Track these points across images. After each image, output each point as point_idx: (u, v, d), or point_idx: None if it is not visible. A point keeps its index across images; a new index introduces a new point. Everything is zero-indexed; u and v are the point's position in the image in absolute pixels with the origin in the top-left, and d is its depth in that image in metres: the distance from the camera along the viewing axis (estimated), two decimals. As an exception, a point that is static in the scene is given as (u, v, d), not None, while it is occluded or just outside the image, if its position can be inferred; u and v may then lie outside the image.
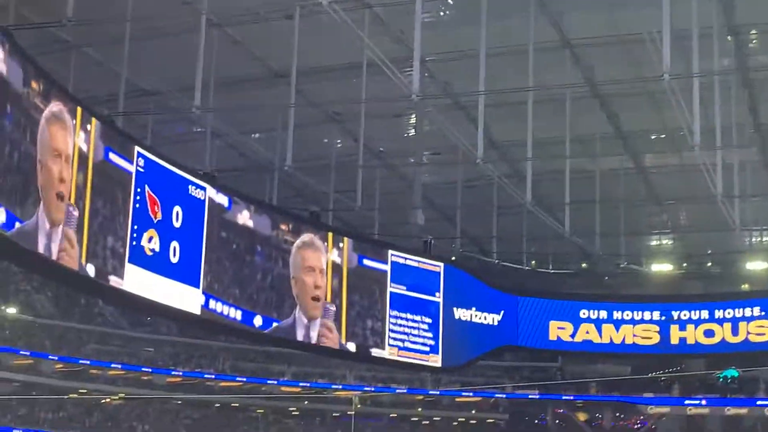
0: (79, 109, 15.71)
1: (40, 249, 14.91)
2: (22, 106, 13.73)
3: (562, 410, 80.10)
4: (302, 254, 20.48)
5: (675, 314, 27.89)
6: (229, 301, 20.00)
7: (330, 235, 22.31)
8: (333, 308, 20.70)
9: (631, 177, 42.15)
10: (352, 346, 23.21)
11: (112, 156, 16.89)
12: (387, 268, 23.23)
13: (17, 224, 13.91)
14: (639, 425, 79.72)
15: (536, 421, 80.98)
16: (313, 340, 20.84)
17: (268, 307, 20.35)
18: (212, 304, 19.79)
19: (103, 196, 16.97)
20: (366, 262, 23.29)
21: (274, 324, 20.14)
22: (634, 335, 28.05)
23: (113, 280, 17.63)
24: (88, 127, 15.69)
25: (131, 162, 17.46)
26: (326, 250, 21.68)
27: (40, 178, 14.45)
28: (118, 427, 69.06)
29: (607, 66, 32.06)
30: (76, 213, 14.92)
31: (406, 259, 25.23)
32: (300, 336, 20.57)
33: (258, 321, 20.30)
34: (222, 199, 20.61)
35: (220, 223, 20.35)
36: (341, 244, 21.48)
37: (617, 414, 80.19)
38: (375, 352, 24.29)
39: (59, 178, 14.57)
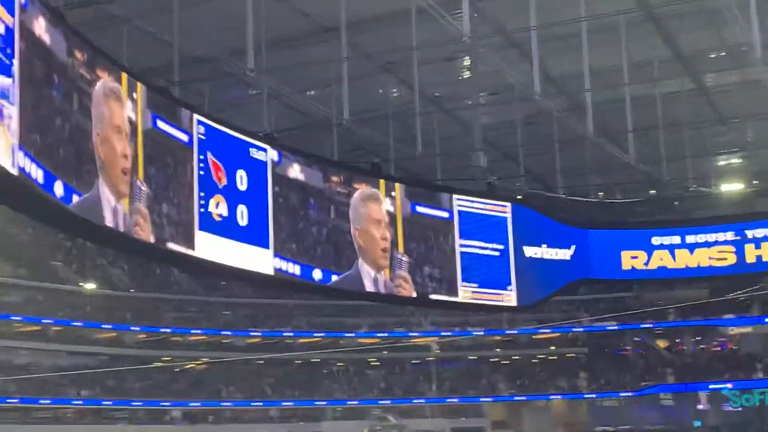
0: (124, 76, 15.80)
1: (108, 222, 15.15)
2: (68, 76, 13.85)
3: (641, 339, 79.87)
4: (367, 206, 20.49)
5: (749, 233, 27.48)
6: (297, 259, 20.15)
7: (396, 185, 22.28)
8: (405, 258, 20.73)
9: (694, 98, 41.48)
10: (423, 293, 23.25)
11: (161, 124, 17.00)
12: (446, 214, 23.19)
13: (75, 197, 14.10)
14: (720, 347, 79.20)
15: (616, 352, 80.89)
16: (383, 290, 20.95)
17: (327, 261, 20.41)
18: (280, 263, 19.98)
19: (161, 166, 17.17)
20: (425, 210, 23.21)
21: (334, 277, 20.23)
22: (710, 258, 27.67)
23: (185, 248, 17.89)
24: (135, 95, 15.78)
25: (186, 130, 17.59)
26: (391, 201, 21.73)
27: (101, 152, 14.54)
28: (204, 391, 70.46)
29: (659, -13, 31.47)
30: (144, 188, 15.10)
31: (471, 202, 25.18)
32: (369, 287, 20.67)
33: (317, 275, 20.36)
34: (281, 158, 20.70)
35: (281, 182, 20.48)
36: (394, 193, 21.47)
37: (697, 338, 79.74)
38: (448, 297, 24.35)
39: (122, 153, 14.77)
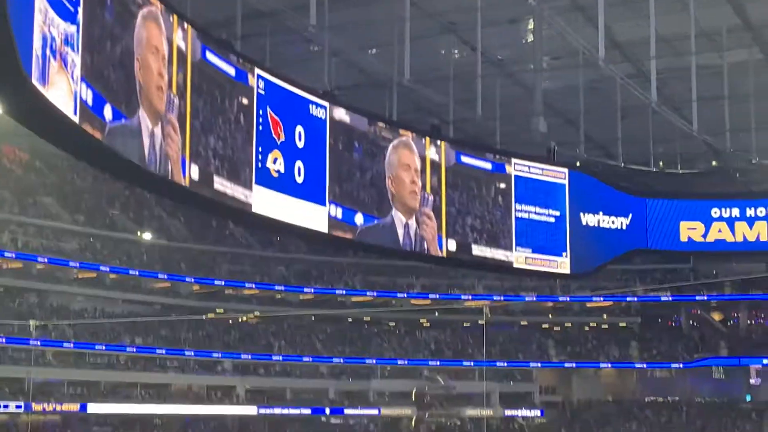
0: (175, 17, 15.35)
1: (167, 173, 14.95)
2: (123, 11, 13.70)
3: (696, 311, 79.13)
4: (398, 153, 20.08)
5: (811, 209, 26.97)
6: (345, 204, 19.93)
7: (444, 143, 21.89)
8: (431, 197, 20.12)
9: (761, 69, 40.63)
10: (465, 245, 22.78)
11: (211, 59, 16.57)
12: (489, 165, 22.43)
13: (123, 121, 13.81)
14: (775, 323, 78.29)
15: (670, 323, 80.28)
16: (412, 238, 20.30)
17: (371, 206, 20.00)
18: (338, 216, 19.91)
19: (227, 117, 17.21)
20: (472, 161, 22.47)
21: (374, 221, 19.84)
22: (769, 232, 27.23)
23: (243, 201, 17.96)
24: (185, 26, 15.32)
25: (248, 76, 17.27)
26: (436, 149, 21.05)
27: (140, 75, 14.17)
28: (256, 344, 71.29)
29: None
30: (176, 101, 14.56)
31: (529, 168, 24.97)
32: (402, 235, 20.10)
33: (359, 219, 20.04)
34: (342, 116, 20.65)
35: (340, 139, 20.44)
36: (439, 142, 20.63)
37: (754, 312, 78.83)
38: (503, 260, 24.23)
39: (158, 72, 14.39)
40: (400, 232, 20.14)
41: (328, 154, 19.92)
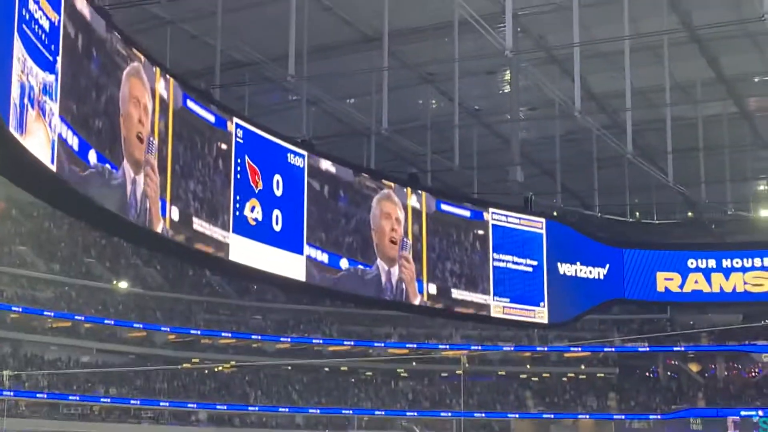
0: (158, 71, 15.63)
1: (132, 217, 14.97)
2: (106, 51, 13.97)
3: (673, 362, 79.16)
4: (380, 205, 20.33)
5: (787, 260, 27.16)
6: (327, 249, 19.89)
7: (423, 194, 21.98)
8: (409, 241, 20.25)
9: (735, 122, 41.16)
10: (459, 297, 22.96)
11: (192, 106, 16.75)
12: (468, 213, 22.59)
13: (108, 167, 13.94)
14: (754, 374, 78.34)
15: (647, 374, 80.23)
16: (393, 282, 20.40)
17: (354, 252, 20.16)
18: (324, 260, 19.88)
19: (204, 170, 17.23)
20: (451, 209, 22.61)
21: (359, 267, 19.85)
22: (745, 283, 27.34)
23: (220, 248, 17.90)
24: (168, 76, 15.62)
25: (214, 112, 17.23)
26: (417, 198, 21.27)
27: (123, 127, 14.42)
28: (231, 394, 70.65)
29: (704, 9, 31.24)
30: (157, 144, 14.79)
31: (507, 217, 25.05)
32: (384, 282, 20.23)
33: (344, 263, 20.11)
34: (329, 167, 20.66)
35: (326, 188, 20.46)
36: (420, 191, 20.86)
37: (731, 363, 78.93)
38: (482, 303, 24.20)
39: (138, 120, 14.61)
40: (383, 279, 20.22)
41: (308, 201, 19.96)
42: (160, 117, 15.22)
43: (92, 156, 13.61)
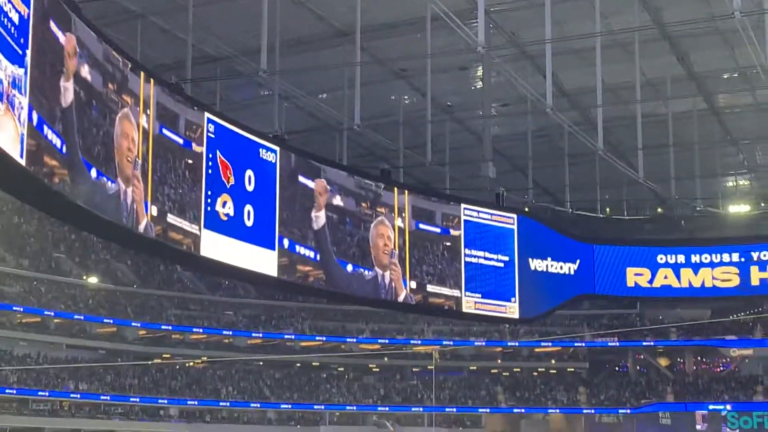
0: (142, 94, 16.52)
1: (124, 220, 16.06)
2: (102, 101, 15.67)
3: (642, 356, 79.72)
4: (377, 228, 22.65)
5: (755, 255, 27.41)
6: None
7: (406, 207, 23.09)
8: (396, 251, 22.94)
9: (705, 118, 41.45)
10: (422, 287, 23.63)
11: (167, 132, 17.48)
12: (438, 230, 24.12)
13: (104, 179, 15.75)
14: (722, 368, 79.04)
15: (617, 369, 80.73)
16: (385, 286, 22.78)
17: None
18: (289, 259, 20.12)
19: (173, 166, 17.32)
20: (426, 227, 23.85)
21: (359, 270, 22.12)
22: (714, 278, 27.61)
23: (190, 246, 17.89)
24: (148, 112, 16.99)
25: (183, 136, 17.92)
26: (401, 220, 23.35)
27: (117, 156, 16.14)
28: (203, 390, 70.44)
29: (675, 6, 31.45)
30: (139, 161, 16.68)
31: (478, 213, 25.16)
32: (381, 285, 22.71)
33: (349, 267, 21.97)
34: (292, 162, 20.72)
35: (290, 185, 20.50)
36: (404, 214, 22.77)
37: (699, 358, 79.59)
38: (451, 306, 24.37)
39: (128, 148, 16.44)
40: (380, 279, 22.55)
41: (328, 225, 20.36)
42: (142, 142, 16.88)
43: (93, 172, 15.40)
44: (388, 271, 22.77)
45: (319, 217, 21.07)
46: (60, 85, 14.30)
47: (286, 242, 20.25)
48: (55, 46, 14.12)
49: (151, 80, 17.23)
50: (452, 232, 24.51)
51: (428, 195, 25.03)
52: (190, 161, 18.13)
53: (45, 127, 13.80)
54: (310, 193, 21.11)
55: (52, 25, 14.05)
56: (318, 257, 21.11)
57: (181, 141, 17.96)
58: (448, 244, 24.46)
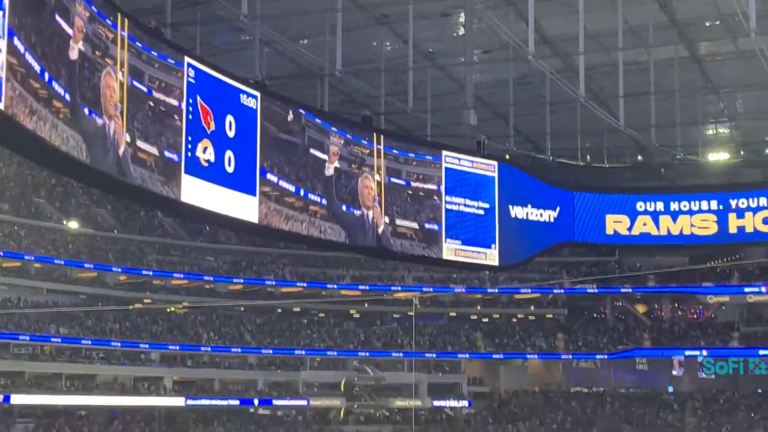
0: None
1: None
2: (92, 63, 16.71)
3: (620, 303, 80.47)
4: (362, 181, 23.32)
5: (733, 203, 27.60)
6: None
7: (382, 158, 23.27)
8: (378, 197, 23.72)
9: (686, 66, 41.48)
10: (411, 249, 23.81)
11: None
12: (402, 182, 24.54)
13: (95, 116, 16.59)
14: (697, 315, 79.92)
15: (595, 315, 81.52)
16: (369, 224, 23.59)
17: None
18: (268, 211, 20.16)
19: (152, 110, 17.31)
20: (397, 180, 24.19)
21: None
22: (692, 225, 27.81)
23: (171, 192, 17.89)
24: (123, 70, 17.35)
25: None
26: (378, 173, 23.81)
27: (102, 101, 16.78)
28: (184, 335, 70.72)
29: (658, -47, 31.33)
30: (119, 104, 17.15)
31: (459, 160, 25.21)
32: (367, 225, 23.50)
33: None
34: (274, 107, 20.69)
35: (271, 132, 20.49)
36: (381, 169, 23.85)
37: (676, 305, 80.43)
38: (432, 253, 24.52)
39: (111, 96, 17.02)
40: (365, 218, 23.28)
41: (260, 144, 20.01)
42: (119, 91, 17.19)
43: (86, 110, 16.25)
44: (371, 210, 23.49)
45: (329, 168, 22.40)
46: (68, 53, 15.86)
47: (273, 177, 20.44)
48: (63, 34, 15.71)
49: (126, 45, 17.24)
50: (413, 184, 24.84)
51: (409, 142, 25.08)
52: (162, 108, 18.14)
53: (54, 83, 15.36)
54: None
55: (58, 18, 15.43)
56: (325, 202, 22.11)
57: (145, 89, 17.91)
58: (421, 194, 24.80)
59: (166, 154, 17.83)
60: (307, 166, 21.66)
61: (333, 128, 22.61)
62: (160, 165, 17.65)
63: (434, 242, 24.66)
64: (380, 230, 23.82)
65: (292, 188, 21.05)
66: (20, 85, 14.13)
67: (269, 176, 20.42)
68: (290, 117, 21.28)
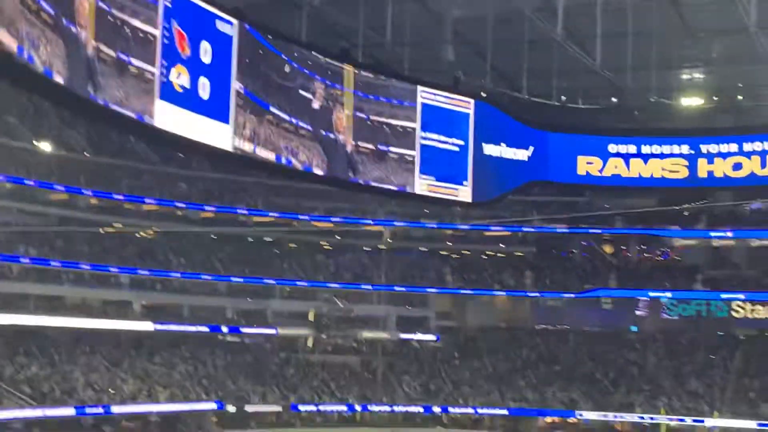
0: None
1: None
2: None
3: (588, 244, 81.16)
4: (334, 113, 23.73)
5: (703, 147, 27.85)
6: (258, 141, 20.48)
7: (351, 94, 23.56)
8: (348, 126, 24.06)
9: (664, 9, 41.39)
10: (385, 184, 23.96)
11: None
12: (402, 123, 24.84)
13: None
14: (663, 257, 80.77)
15: (563, 254, 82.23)
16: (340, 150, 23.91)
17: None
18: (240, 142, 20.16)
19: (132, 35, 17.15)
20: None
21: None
22: (663, 169, 28.10)
23: (144, 116, 17.85)
24: None
25: None
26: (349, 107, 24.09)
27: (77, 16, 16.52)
28: (154, 260, 70.74)
29: None
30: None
31: (435, 95, 25.23)
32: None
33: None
34: (251, 35, 20.58)
35: (247, 59, 20.41)
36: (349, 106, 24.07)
37: (642, 246, 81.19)
38: (406, 187, 24.67)
39: (84, 17, 16.75)
40: (338, 141, 23.68)
41: (236, 72, 19.94)
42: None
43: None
44: (343, 136, 23.85)
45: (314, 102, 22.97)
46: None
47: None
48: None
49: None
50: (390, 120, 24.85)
51: (386, 74, 25.07)
52: (139, 35, 17.96)
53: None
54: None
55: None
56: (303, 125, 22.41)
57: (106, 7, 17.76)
58: (399, 130, 24.87)
59: (141, 77, 17.74)
60: (288, 93, 21.67)
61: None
62: (135, 88, 17.58)
63: (408, 177, 24.79)
64: (355, 162, 23.93)
65: (275, 112, 21.12)
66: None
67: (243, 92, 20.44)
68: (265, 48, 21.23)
